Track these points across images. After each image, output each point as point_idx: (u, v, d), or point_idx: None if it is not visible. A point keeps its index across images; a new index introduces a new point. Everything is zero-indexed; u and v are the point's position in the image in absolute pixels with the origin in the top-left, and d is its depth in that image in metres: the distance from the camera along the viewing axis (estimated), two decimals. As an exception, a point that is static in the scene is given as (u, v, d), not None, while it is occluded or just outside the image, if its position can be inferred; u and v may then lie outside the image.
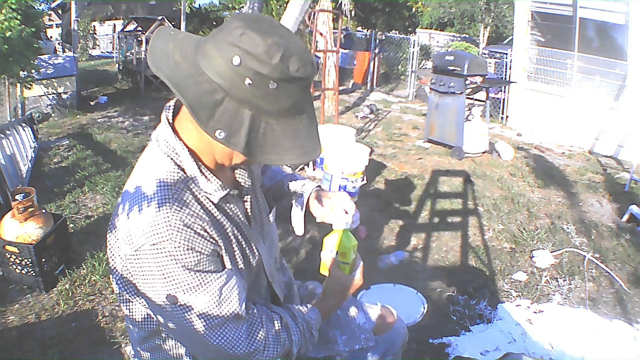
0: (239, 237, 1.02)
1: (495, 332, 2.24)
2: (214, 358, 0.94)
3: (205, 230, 0.92)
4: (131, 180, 0.96)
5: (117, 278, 0.98)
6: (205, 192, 0.95)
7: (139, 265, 0.88)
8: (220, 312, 0.90)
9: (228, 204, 1.01)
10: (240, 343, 0.93)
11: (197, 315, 0.89)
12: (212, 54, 0.82)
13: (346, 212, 1.16)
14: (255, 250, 1.06)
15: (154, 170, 0.92)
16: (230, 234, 1.00)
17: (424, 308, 2.39)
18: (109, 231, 0.97)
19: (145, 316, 1.03)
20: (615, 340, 2.23)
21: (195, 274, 0.88)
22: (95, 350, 1.99)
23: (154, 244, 0.85)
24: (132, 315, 1.04)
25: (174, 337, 1.01)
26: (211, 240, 0.93)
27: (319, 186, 1.29)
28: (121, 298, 1.04)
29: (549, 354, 2.11)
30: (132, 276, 0.91)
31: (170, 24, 8.58)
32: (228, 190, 0.99)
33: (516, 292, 2.64)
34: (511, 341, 2.19)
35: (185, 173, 0.93)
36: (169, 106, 0.99)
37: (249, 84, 0.81)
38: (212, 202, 0.97)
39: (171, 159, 0.93)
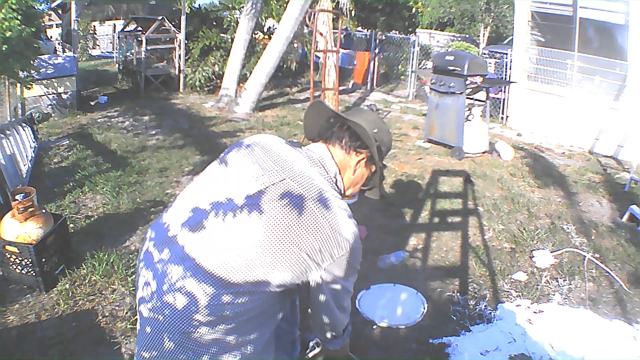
0: None
1: (495, 332, 2.24)
2: (337, 319, 1.39)
3: None
4: (314, 196, 1.23)
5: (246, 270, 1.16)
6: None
7: (346, 259, 1.22)
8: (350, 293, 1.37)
9: None
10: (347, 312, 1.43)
11: (347, 292, 1.33)
12: (362, 123, 1.38)
13: None
14: None
15: (329, 190, 1.26)
16: None
17: (424, 308, 2.39)
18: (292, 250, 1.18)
19: (186, 305, 1.13)
20: (615, 340, 2.23)
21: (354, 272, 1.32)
22: (95, 350, 1.99)
23: (358, 246, 1.26)
24: (175, 303, 1.14)
25: (316, 309, 1.35)
26: None
27: None
28: (172, 286, 1.16)
29: (549, 354, 2.11)
30: (335, 271, 1.23)
31: (170, 24, 8.58)
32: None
33: (516, 292, 2.64)
34: (511, 341, 2.19)
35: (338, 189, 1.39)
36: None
37: (377, 145, 1.41)
38: None
39: (328, 182, 1.32)
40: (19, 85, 5.46)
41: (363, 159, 1.41)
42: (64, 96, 6.53)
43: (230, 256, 1.15)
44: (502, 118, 7.65)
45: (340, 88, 8.10)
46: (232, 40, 8.10)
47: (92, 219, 3.21)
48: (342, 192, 1.43)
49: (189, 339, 1.13)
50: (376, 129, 1.42)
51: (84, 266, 2.56)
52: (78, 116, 6.47)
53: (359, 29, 13.59)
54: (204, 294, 1.13)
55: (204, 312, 1.13)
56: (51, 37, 12.21)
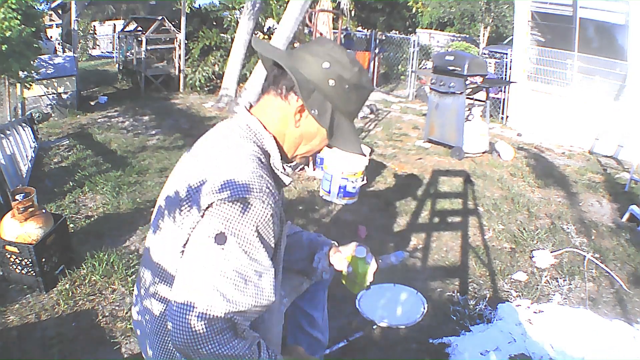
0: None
1: (495, 332, 2.24)
2: (182, 314, 0.89)
3: (278, 211, 1.04)
4: (215, 148, 1.06)
5: (170, 248, 1.03)
6: (282, 174, 1.10)
7: (218, 211, 0.93)
8: (238, 287, 0.91)
9: (281, 196, 1.15)
10: (223, 320, 0.90)
11: (223, 267, 0.90)
12: (306, 58, 1.06)
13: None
14: (279, 253, 1.14)
15: (243, 145, 1.04)
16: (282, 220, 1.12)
17: (424, 308, 2.38)
18: (177, 190, 1.02)
19: (161, 314, 1.06)
20: (615, 340, 2.23)
21: (259, 241, 0.95)
22: (95, 350, 1.99)
23: (245, 197, 0.93)
24: (152, 310, 1.08)
25: (177, 273, 0.98)
26: (281, 221, 1.08)
27: (334, 244, 1.51)
28: (143, 292, 1.10)
29: (549, 354, 2.11)
30: (201, 223, 0.95)
31: (170, 24, 8.58)
32: (291, 180, 1.15)
33: (516, 292, 2.64)
34: (511, 341, 2.19)
35: (267, 157, 1.07)
36: (243, 103, 1.17)
37: (332, 85, 1.05)
38: (278, 189, 1.09)
39: (255, 143, 1.06)
40: (19, 85, 5.45)
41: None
42: (64, 96, 6.53)
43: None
44: (502, 118, 7.65)
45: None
46: (232, 40, 8.09)
47: (92, 219, 3.20)
48: (284, 155, 1.12)
49: (165, 349, 1.08)
50: (327, 63, 1.04)
51: (84, 266, 2.55)
52: (78, 116, 6.47)
53: (359, 29, 13.60)
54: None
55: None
56: (51, 37, 12.21)
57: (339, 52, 1.06)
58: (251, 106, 1.15)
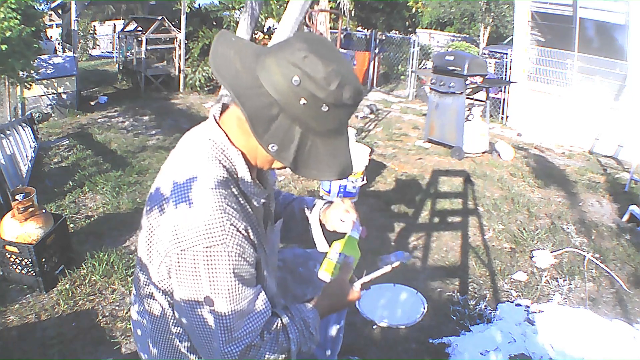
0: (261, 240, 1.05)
1: (495, 332, 2.24)
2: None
3: (250, 235, 0.96)
4: (178, 172, 0.97)
5: (148, 270, 1.01)
6: (251, 195, 1.00)
7: (184, 264, 0.89)
8: (241, 326, 0.93)
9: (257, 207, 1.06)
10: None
11: (221, 320, 0.91)
12: (272, 68, 0.87)
13: (354, 222, 1.24)
14: (262, 265, 1.08)
15: (206, 169, 0.94)
16: (259, 236, 1.04)
17: (424, 308, 2.38)
18: (148, 222, 0.99)
19: (161, 313, 1.05)
20: (615, 340, 2.23)
21: (240, 284, 0.91)
22: (95, 350, 1.99)
23: (208, 247, 0.87)
24: (151, 310, 1.06)
25: (188, 333, 1.02)
26: (253, 245, 0.97)
27: (329, 202, 1.35)
28: (141, 292, 1.06)
29: (549, 354, 2.11)
30: (170, 273, 0.93)
31: (170, 24, 8.58)
32: (268, 193, 1.05)
33: (516, 292, 2.64)
34: (511, 341, 2.19)
35: (234, 175, 0.97)
36: (217, 105, 1.04)
37: (303, 103, 0.87)
38: (250, 205, 1.01)
39: (222, 163, 0.96)
40: (19, 85, 5.45)
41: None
42: (64, 96, 6.53)
43: None
44: (502, 118, 7.64)
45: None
46: (232, 40, 8.08)
47: (92, 219, 3.20)
48: (258, 170, 1.05)
49: (168, 347, 1.08)
50: (297, 78, 0.86)
51: (84, 266, 2.55)
52: (78, 116, 6.47)
53: (359, 29, 13.59)
54: (169, 304, 1.03)
55: (173, 322, 1.04)
56: (51, 37, 12.20)
57: (312, 63, 0.85)
58: (224, 110, 1.03)
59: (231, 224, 0.90)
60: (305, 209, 1.36)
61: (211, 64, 0.92)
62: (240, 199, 0.98)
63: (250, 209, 1.01)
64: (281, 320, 1.03)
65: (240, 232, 0.92)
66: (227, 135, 0.97)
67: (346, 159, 0.98)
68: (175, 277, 0.92)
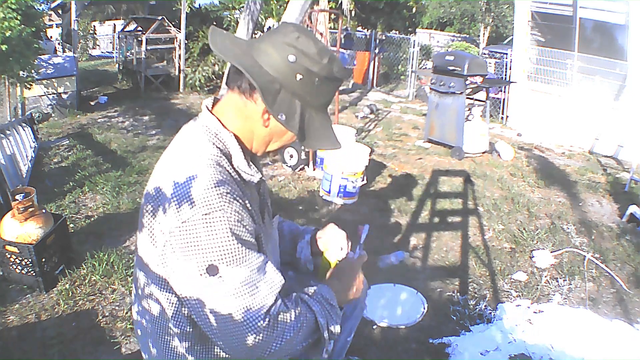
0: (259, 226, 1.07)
1: (495, 332, 2.24)
2: (231, 338, 0.94)
3: (247, 205, 0.99)
4: (173, 159, 1.02)
5: (148, 269, 1.01)
6: (246, 174, 1.03)
7: (185, 236, 0.91)
8: (253, 292, 0.93)
9: (252, 193, 1.09)
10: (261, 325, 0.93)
11: (232, 290, 0.91)
12: (268, 50, 0.96)
13: (341, 249, 1.31)
14: (264, 246, 1.08)
15: (200, 152, 0.98)
16: (257, 220, 1.05)
17: (424, 308, 2.39)
18: (145, 212, 1.00)
19: (161, 313, 1.05)
20: (615, 340, 2.23)
21: (241, 246, 0.92)
22: (95, 350, 1.99)
23: (206, 214, 0.90)
24: (150, 310, 1.07)
25: (195, 316, 0.99)
26: (252, 217, 1.00)
27: (316, 229, 1.40)
28: (141, 292, 1.07)
29: (549, 354, 2.11)
30: (173, 249, 0.93)
31: (170, 24, 8.58)
32: (261, 176, 1.08)
33: (516, 292, 2.64)
34: (511, 341, 2.19)
35: (228, 157, 1.01)
36: (209, 98, 1.09)
37: (300, 79, 0.96)
38: (246, 186, 1.04)
39: (215, 145, 1.00)
40: (19, 85, 5.45)
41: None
42: (64, 96, 6.53)
43: None
44: (502, 118, 7.65)
45: (340, 88, 8.09)
46: (232, 40, 8.08)
47: (92, 219, 3.20)
48: (254, 153, 1.08)
49: (167, 347, 1.07)
50: (293, 56, 0.95)
51: (84, 266, 2.55)
52: (78, 116, 6.47)
53: (359, 29, 13.59)
54: (169, 303, 1.02)
55: (172, 323, 1.04)
56: (51, 37, 12.21)
57: (305, 41, 0.95)
58: (216, 102, 1.08)
59: (227, 192, 0.93)
60: (293, 231, 1.41)
61: (214, 48, 0.98)
62: (234, 176, 1.01)
63: (246, 191, 1.03)
64: (299, 297, 1.04)
65: (237, 200, 0.94)
66: (220, 121, 1.02)
67: (334, 133, 1.07)
68: (180, 252, 0.92)
